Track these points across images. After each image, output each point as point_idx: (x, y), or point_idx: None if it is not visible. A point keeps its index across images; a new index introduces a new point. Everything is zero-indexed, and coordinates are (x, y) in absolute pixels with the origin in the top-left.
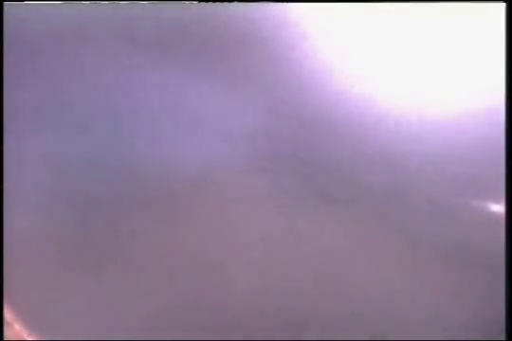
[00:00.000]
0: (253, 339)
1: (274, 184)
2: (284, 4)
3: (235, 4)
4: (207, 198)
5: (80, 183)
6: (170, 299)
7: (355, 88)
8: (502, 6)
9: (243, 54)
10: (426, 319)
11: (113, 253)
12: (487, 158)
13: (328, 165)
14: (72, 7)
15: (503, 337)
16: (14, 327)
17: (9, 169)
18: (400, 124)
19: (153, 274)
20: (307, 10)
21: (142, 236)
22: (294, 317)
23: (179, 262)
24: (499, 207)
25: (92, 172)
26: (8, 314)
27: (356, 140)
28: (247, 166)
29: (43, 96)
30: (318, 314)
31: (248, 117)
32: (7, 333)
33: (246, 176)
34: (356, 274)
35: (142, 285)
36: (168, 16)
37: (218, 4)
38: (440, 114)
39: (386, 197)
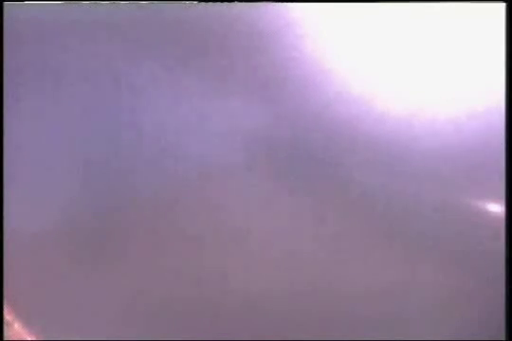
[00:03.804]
0: (254, 338)
1: (274, 185)
2: (284, 4)
3: (235, 4)
4: (206, 199)
5: (81, 183)
6: (171, 299)
7: (354, 89)
8: (503, 6)
9: (243, 54)
10: (426, 320)
11: (113, 253)
12: (487, 159)
13: (328, 166)
14: (72, 7)
15: (503, 337)
16: (14, 327)
17: (9, 170)
18: (400, 125)
19: (153, 274)
20: (307, 10)
21: (142, 236)
22: (293, 317)
23: (180, 263)
24: (499, 208)
25: (93, 173)
26: (8, 314)
27: (356, 141)
28: (247, 167)
29: (43, 96)
30: (316, 314)
31: (248, 118)
32: (7, 333)
33: (245, 177)
34: (354, 274)
35: (142, 286)
36: (168, 16)
37: (218, 4)
38: (440, 114)
39: (385, 198)
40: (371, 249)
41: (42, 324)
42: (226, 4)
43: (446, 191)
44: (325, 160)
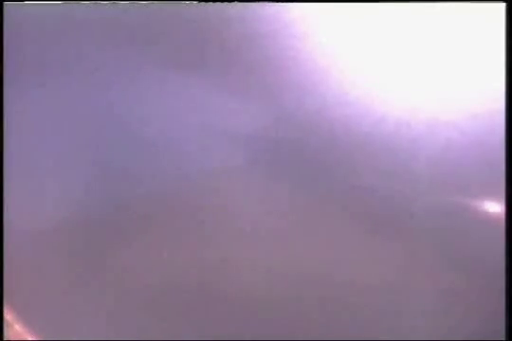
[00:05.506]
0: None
1: (274, 186)
2: (284, 4)
3: (235, 4)
4: (208, 199)
5: (81, 182)
6: (174, 296)
7: (354, 89)
8: (503, 6)
9: (242, 54)
10: (425, 319)
11: (113, 252)
12: (487, 159)
13: (327, 166)
14: (72, 7)
15: (504, 337)
16: (14, 327)
17: (10, 171)
18: (400, 125)
19: (154, 274)
20: (307, 10)
21: (142, 236)
22: (293, 309)
23: (182, 262)
24: (499, 208)
25: (93, 173)
26: (8, 315)
27: (356, 142)
28: (246, 167)
29: (43, 95)
30: (316, 317)
31: (248, 118)
32: (7, 333)
33: (245, 178)
34: (355, 275)
35: (144, 285)
36: (168, 16)
37: (218, 4)
38: (439, 115)
39: (385, 198)
40: (372, 248)
41: (42, 324)
42: (225, 4)
43: (445, 191)
44: (325, 161)
